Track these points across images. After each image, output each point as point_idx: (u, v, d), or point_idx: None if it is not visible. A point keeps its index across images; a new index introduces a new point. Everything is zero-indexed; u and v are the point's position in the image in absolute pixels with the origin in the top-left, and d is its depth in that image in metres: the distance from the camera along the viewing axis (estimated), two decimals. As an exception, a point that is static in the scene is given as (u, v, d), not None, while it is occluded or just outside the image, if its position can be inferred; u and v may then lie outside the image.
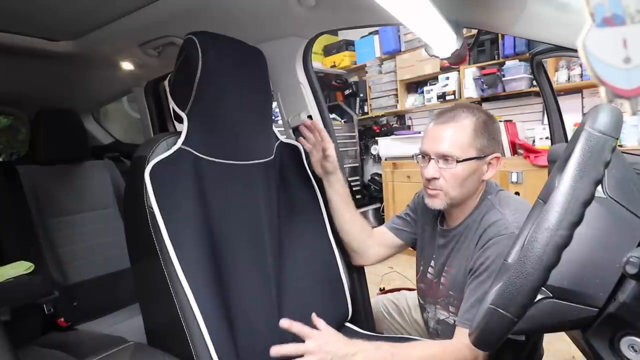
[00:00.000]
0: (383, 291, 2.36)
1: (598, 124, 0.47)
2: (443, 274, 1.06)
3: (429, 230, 1.15)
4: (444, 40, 0.93)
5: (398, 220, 1.26)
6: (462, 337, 0.90)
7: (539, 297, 0.54)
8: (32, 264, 1.29)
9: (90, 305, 1.67)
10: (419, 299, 1.22)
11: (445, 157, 0.96)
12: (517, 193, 2.97)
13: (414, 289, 1.32)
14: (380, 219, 3.99)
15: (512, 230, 0.91)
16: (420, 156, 1.03)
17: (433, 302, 1.11)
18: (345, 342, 0.88)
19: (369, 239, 1.22)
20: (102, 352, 0.91)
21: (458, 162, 0.94)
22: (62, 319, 1.50)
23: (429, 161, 0.98)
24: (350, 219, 1.20)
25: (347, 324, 1.23)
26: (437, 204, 1.00)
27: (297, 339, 1.04)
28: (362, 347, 0.88)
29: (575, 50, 0.89)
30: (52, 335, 1.44)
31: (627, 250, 0.52)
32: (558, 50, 1.12)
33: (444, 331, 1.07)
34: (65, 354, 1.16)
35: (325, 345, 0.85)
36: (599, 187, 0.50)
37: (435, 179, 0.97)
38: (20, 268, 1.26)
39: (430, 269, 1.12)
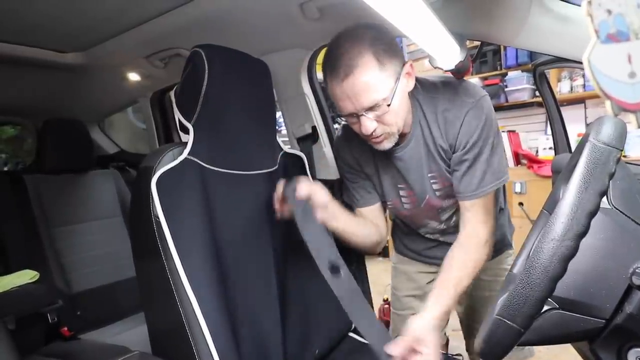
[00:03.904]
0: (386, 302, 2.35)
1: (602, 136, 0.47)
2: (431, 181, 1.02)
3: (382, 164, 1.06)
4: (448, 52, 0.94)
5: (357, 192, 1.13)
6: (473, 211, 0.98)
7: (545, 308, 0.54)
8: (37, 272, 1.30)
9: (94, 315, 1.67)
10: (413, 230, 1.20)
11: (373, 107, 0.87)
12: (520, 203, 2.96)
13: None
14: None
15: (454, 99, 0.94)
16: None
17: (433, 214, 1.10)
18: (427, 333, 0.84)
19: (372, 228, 1.13)
20: (105, 362, 0.91)
21: (388, 105, 0.87)
22: (66, 328, 1.50)
23: (359, 117, 0.89)
24: (354, 231, 1.11)
25: (351, 334, 1.22)
26: (387, 144, 0.94)
27: (302, 347, 1.04)
28: (429, 322, 0.87)
29: (577, 62, 0.91)
30: (55, 344, 1.43)
31: (633, 261, 0.52)
32: (560, 61, 1.12)
33: (455, 221, 1.11)
34: (68, 363, 1.16)
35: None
36: (604, 198, 0.50)
37: (375, 130, 0.90)
38: (26, 277, 1.26)
39: (408, 196, 1.07)
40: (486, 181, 0.95)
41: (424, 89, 0.98)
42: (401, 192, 1.08)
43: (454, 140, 0.96)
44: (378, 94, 0.86)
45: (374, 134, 0.90)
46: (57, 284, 1.60)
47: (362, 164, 1.10)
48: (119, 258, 1.77)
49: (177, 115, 1.02)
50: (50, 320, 1.43)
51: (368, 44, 0.85)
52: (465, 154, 0.95)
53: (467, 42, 0.96)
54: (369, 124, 0.88)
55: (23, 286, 1.23)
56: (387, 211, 1.21)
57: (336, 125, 1.41)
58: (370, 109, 0.87)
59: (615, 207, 0.58)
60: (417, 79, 0.96)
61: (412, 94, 0.96)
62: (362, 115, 0.88)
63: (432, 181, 1.03)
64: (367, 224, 1.13)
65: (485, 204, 0.98)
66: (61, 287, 1.60)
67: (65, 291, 1.61)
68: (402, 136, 0.97)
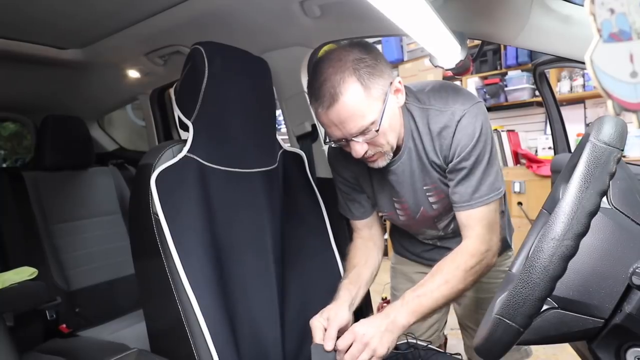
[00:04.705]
0: (385, 300, 2.36)
1: (603, 136, 0.47)
2: (427, 193, 1.00)
3: (376, 178, 1.04)
4: (449, 51, 0.93)
5: (352, 206, 1.12)
6: (471, 225, 0.92)
7: (545, 307, 0.54)
8: (35, 269, 1.30)
9: (93, 312, 1.67)
10: (414, 238, 1.19)
11: (362, 132, 0.85)
12: (519, 203, 2.97)
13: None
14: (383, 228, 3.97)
15: (445, 109, 0.90)
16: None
17: (430, 224, 1.08)
18: (379, 319, 0.87)
19: (373, 250, 1.14)
20: (104, 359, 0.91)
21: (377, 130, 0.85)
22: (64, 325, 1.50)
23: (349, 142, 0.87)
24: (369, 278, 1.12)
25: (350, 333, 1.22)
26: (382, 163, 0.92)
27: (300, 346, 1.04)
28: (394, 310, 0.88)
29: (577, 61, 0.90)
30: (53, 341, 1.43)
31: (632, 261, 0.52)
32: (560, 61, 1.12)
33: (453, 228, 1.08)
34: (66, 360, 1.16)
35: (364, 337, 0.84)
36: (604, 198, 0.50)
37: (366, 152, 0.89)
38: (24, 274, 1.26)
39: (403, 209, 1.05)
40: (481, 192, 0.90)
41: (415, 100, 0.95)
42: (396, 205, 1.06)
43: (447, 150, 0.92)
44: (365, 119, 0.83)
45: (365, 155, 0.89)
46: (56, 281, 1.60)
47: (359, 177, 1.08)
48: (118, 255, 1.78)
49: (177, 113, 1.02)
50: (48, 317, 1.43)
51: (351, 68, 0.81)
52: (461, 162, 0.90)
53: (468, 41, 0.96)
54: (359, 148, 0.86)
55: (22, 283, 1.23)
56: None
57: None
58: (359, 135, 0.85)
59: (615, 207, 0.58)
60: (407, 89, 0.94)
61: (404, 105, 0.93)
62: (351, 140, 0.86)
63: (427, 194, 1.00)
64: (370, 253, 1.12)
65: (482, 217, 0.92)
66: (60, 284, 1.60)
67: (64, 288, 1.62)
68: (395, 149, 0.95)
